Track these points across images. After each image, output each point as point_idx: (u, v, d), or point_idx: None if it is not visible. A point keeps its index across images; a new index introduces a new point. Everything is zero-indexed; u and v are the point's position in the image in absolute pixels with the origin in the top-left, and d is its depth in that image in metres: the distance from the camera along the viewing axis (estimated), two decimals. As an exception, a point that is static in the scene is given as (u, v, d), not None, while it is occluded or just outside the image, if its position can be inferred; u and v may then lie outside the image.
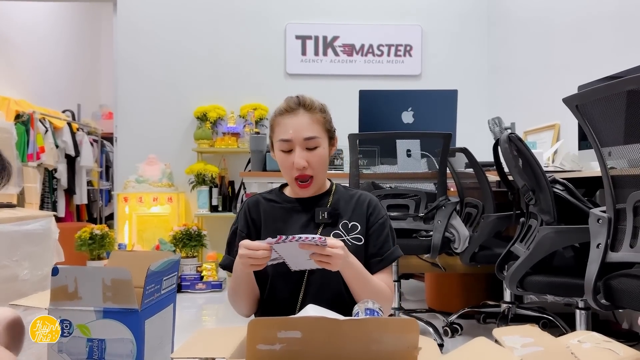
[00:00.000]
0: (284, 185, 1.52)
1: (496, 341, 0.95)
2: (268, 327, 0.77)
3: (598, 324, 2.73)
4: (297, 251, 1.19)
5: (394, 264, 1.69)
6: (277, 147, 1.41)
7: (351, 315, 1.09)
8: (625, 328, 2.76)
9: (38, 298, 1.49)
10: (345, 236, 1.40)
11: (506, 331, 0.96)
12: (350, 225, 1.42)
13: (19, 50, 5.02)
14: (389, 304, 1.45)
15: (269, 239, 1.18)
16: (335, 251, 1.19)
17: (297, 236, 1.16)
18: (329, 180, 1.52)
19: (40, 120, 4.72)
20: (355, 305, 1.10)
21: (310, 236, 1.17)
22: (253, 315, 1.43)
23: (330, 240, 1.20)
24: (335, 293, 1.35)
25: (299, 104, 1.39)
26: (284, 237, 1.17)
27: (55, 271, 1.21)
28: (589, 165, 2.73)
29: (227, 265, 1.47)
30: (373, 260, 1.41)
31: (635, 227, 1.40)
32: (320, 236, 1.18)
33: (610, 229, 1.47)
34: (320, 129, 1.39)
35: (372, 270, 1.40)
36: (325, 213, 1.41)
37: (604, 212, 1.52)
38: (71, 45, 6.22)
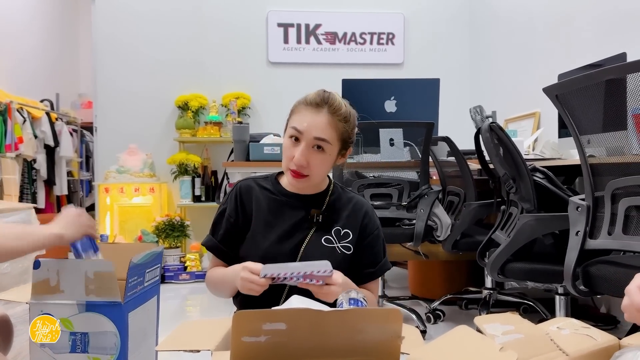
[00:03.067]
0: (281, 173, 1.46)
1: (477, 329, 0.97)
2: (253, 319, 0.77)
3: (577, 309, 2.79)
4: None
5: None
6: (288, 132, 1.35)
7: (335, 306, 1.10)
8: (603, 312, 2.83)
9: (19, 292, 1.47)
10: (336, 243, 1.37)
11: (487, 319, 0.98)
12: (342, 232, 1.39)
13: (-5, 39, 4.91)
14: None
15: (266, 271, 1.16)
16: (333, 289, 1.18)
17: (295, 276, 1.14)
18: (328, 178, 1.47)
19: (17, 110, 4.63)
20: (339, 296, 1.11)
21: (315, 270, 1.15)
22: (237, 307, 1.43)
23: (334, 275, 1.19)
24: None
25: (325, 102, 1.32)
26: (282, 277, 1.15)
27: (36, 264, 1.20)
28: (569, 153, 2.77)
29: (210, 246, 1.43)
30: (366, 270, 1.40)
31: (613, 214, 1.43)
32: (325, 268, 1.16)
33: (589, 217, 1.50)
34: (335, 135, 1.32)
35: (364, 280, 1.39)
36: (320, 217, 1.37)
37: (583, 200, 1.54)
38: (49, 34, 6.10)
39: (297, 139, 1.32)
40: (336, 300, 1.12)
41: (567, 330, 0.94)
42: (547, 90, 1.51)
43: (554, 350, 0.86)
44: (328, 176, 1.48)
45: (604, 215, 1.47)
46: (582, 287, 1.52)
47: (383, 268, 1.43)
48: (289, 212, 1.40)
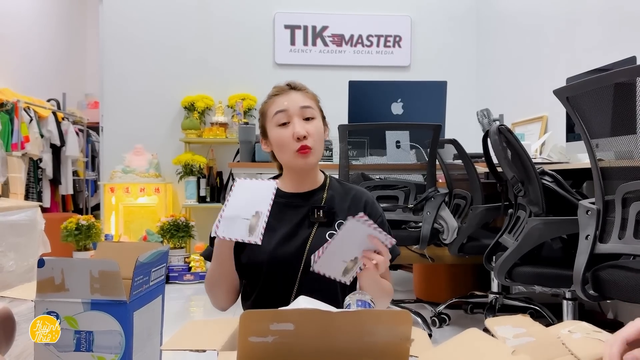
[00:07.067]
0: (276, 177, 1.47)
1: (485, 329, 0.95)
2: (260, 319, 0.76)
3: (583, 314, 2.76)
4: (351, 245, 1.17)
5: None
6: (273, 123, 1.35)
7: (342, 307, 1.08)
8: (610, 318, 2.80)
9: (24, 289, 1.46)
10: None
11: (498, 321, 0.96)
12: None
13: (3, 39, 4.93)
14: (389, 300, 1.44)
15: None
16: (380, 258, 1.18)
17: (368, 225, 1.13)
18: (323, 173, 1.47)
19: (24, 109, 4.64)
20: (347, 297, 1.09)
21: (382, 235, 1.15)
22: (242, 309, 1.42)
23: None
24: (329, 295, 1.29)
25: (289, 87, 1.38)
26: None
27: (41, 263, 1.19)
28: (576, 157, 2.75)
29: (208, 255, 1.40)
30: None
31: (624, 218, 1.41)
32: (388, 240, 1.16)
33: (599, 221, 1.48)
34: (314, 103, 1.38)
35: None
36: (321, 212, 1.36)
37: (592, 203, 1.52)
38: (56, 34, 6.13)
39: (285, 123, 1.34)
40: (344, 301, 1.10)
41: (578, 334, 0.92)
42: (559, 92, 1.50)
43: (566, 354, 0.85)
44: (322, 171, 1.48)
45: (614, 219, 1.45)
46: (591, 292, 1.50)
47: (392, 255, 1.40)
48: (290, 212, 1.39)
